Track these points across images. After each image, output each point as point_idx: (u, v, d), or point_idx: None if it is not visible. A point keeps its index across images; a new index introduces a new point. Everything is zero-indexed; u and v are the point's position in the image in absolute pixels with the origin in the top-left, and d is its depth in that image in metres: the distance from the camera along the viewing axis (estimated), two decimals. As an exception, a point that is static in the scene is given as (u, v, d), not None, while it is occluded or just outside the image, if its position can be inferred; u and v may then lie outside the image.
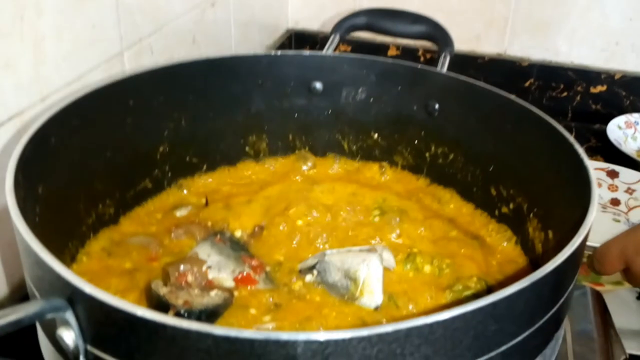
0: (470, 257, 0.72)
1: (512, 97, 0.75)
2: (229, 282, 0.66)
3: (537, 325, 0.50)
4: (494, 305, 0.45)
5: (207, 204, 0.81)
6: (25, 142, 0.59)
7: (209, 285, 0.65)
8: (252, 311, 0.63)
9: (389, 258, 0.70)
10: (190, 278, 0.64)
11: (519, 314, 0.47)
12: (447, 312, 0.43)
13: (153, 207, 0.80)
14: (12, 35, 0.68)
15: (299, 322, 0.61)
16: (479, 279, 0.68)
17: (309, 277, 0.68)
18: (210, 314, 0.61)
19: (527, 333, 0.49)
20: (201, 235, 0.72)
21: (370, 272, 0.66)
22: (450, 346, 0.44)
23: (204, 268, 0.66)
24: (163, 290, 0.61)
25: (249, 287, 0.66)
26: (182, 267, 0.65)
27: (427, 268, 0.71)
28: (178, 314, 0.59)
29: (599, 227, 0.57)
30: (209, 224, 0.75)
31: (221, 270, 0.67)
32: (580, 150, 0.63)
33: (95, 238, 0.73)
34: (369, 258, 0.67)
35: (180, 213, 0.78)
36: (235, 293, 0.65)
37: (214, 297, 0.62)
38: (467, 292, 0.67)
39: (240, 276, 0.67)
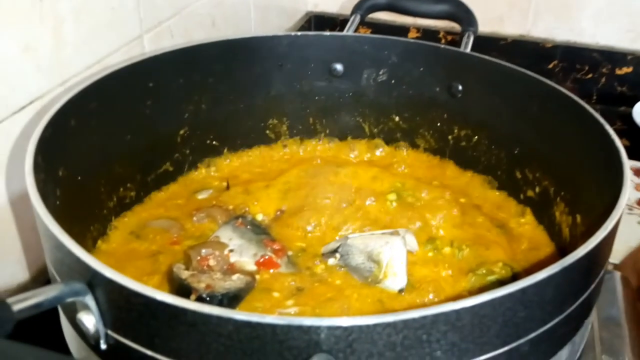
0: (496, 242, 0.71)
1: (539, 77, 0.73)
2: (251, 266, 0.66)
3: (567, 312, 0.49)
4: (523, 291, 0.44)
5: (228, 187, 0.80)
6: (44, 125, 0.59)
7: (230, 269, 0.64)
8: (275, 294, 0.62)
9: (411, 241, 0.69)
10: (212, 262, 0.64)
11: (548, 301, 0.46)
12: (474, 298, 0.42)
13: (174, 190, 0.80)
14: (32, 18, 0.68)
15: (320, 306, 0.61)
16: (504, 265, 0.67)
17: (331, 261, 0.67)
18: (233, 298, 0.60)
19: (556, 320, 0.48)
20: (223, 218, 0.72)
21: (393, 255, 0.65)
22: (478, 333, 0.43)
23: (225, 252, 0.66)
24: (185, 274, 0.61)
25: (271, 271, 0.66)
26: (203, 250, 0.65)
27: (449, 251, 0.70)
28: (200, 298, 0.58)
29: (621, 229, 0.54)
30: (230, 207, 0.74)
31: (243, 254, 0.67)
32: (611, 132, 0.62)
33: (117, 221, 0.73)
34: (392, 241, 0.66)
35: (201, 196, 0.78)
36: (257, 277, 0.64)
37: (236, 280, 0.61)
38: (491, 277, 0.66)
39: (262, 260, 0.66)
